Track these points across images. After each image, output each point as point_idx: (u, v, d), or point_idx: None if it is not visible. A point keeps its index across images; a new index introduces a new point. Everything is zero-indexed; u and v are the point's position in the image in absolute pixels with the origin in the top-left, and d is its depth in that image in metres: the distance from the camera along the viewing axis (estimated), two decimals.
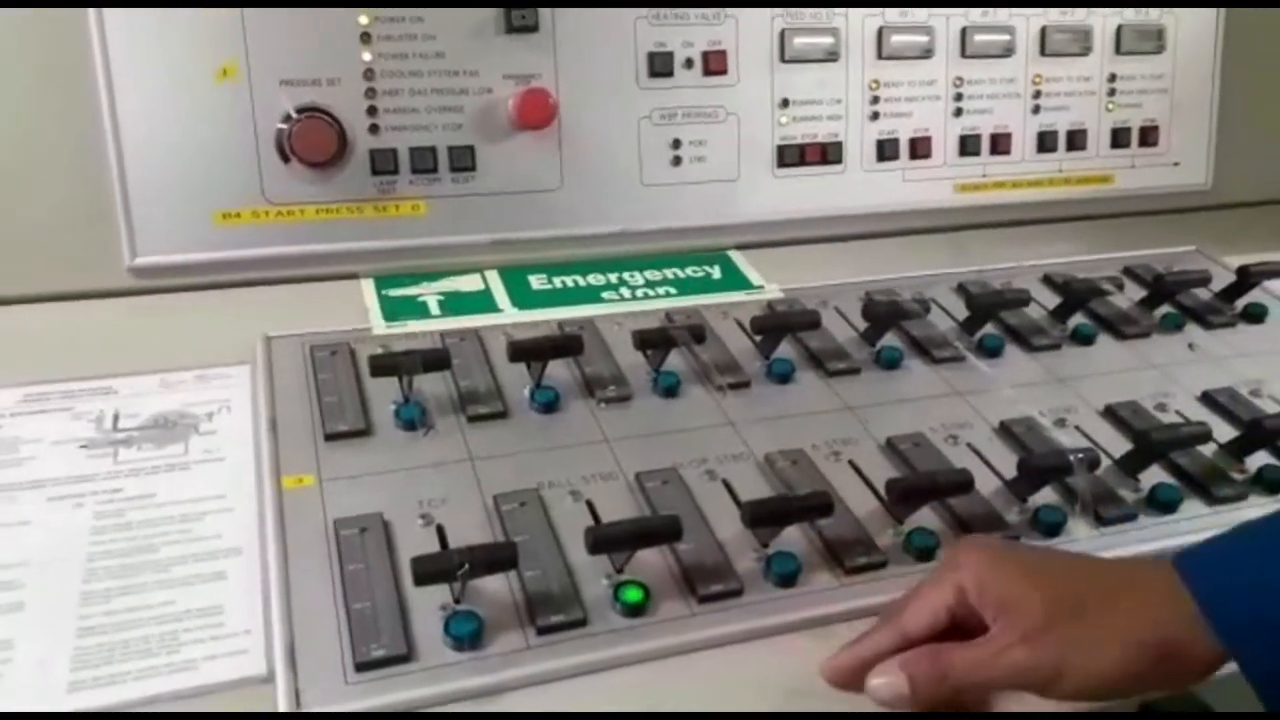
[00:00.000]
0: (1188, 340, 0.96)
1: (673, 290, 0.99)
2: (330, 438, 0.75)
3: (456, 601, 0.62)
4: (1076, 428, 0.82)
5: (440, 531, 0.68)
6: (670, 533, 0.64)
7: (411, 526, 0.68)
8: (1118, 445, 0.80)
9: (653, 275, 1.01)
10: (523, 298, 0.96)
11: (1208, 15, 1.17)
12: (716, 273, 1.03)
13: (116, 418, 0.77)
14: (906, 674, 0.57)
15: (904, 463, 0.77)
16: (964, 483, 0.69)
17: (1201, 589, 0.54)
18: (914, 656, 0.58)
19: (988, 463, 0.78)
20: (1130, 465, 0.77)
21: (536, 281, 0.99)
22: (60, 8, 0.85)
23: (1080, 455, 0.72)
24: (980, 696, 0.58)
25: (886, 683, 0.57)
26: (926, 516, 0.71)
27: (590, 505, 0.71)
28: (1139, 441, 0.77)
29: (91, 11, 0.85)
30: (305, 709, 0.56)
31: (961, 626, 0.59)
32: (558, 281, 0.99)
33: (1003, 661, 0.55)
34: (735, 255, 1.05)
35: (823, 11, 1.04)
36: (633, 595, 0.63)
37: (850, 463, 0.77)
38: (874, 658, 0.59)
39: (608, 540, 0.63)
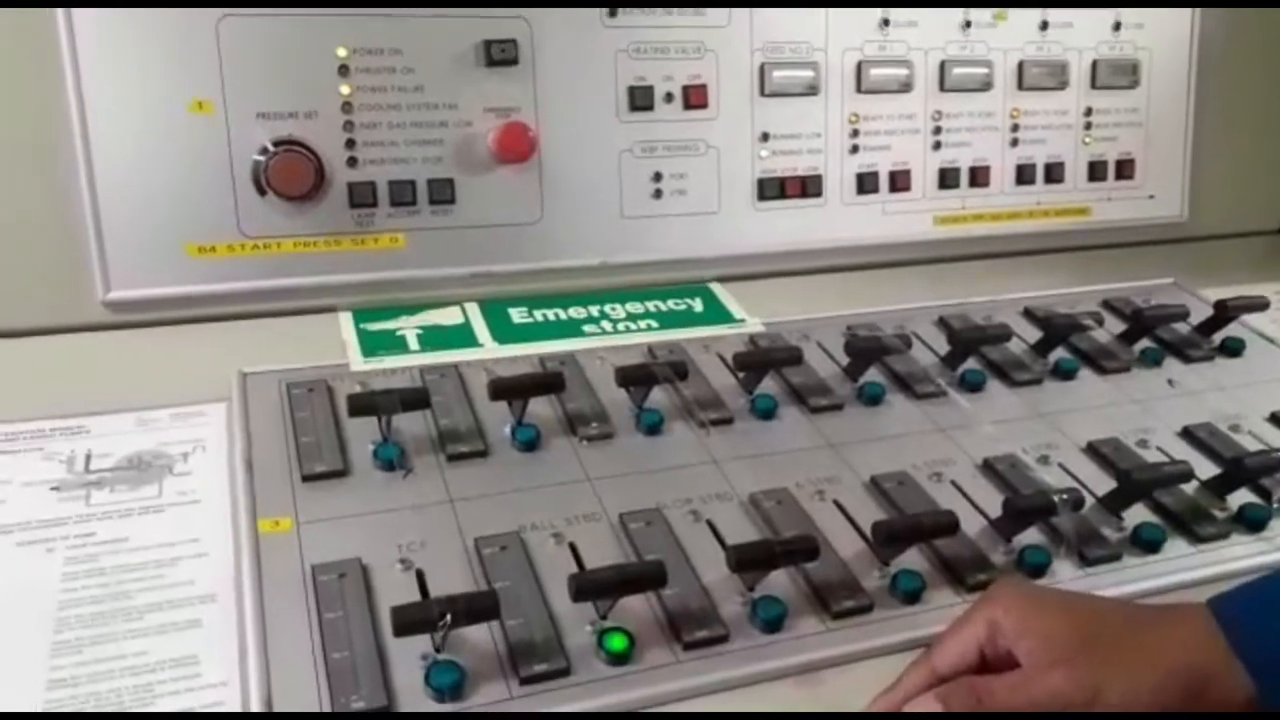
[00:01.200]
0: (1167, 375, 0.97)
1: (654, 323, 0.99)
2: (307, 479, 0.74)
3: (437, 650, 0.61)
4: (1059, 465, 0.82)
5: (420, 577, 0.67)
6: (655, 579, 0.63)
7: (391, 572, 0.67)
8: (1100, 482, 0.80)
9: (634, 308, 1.01)
10: (503, 332, 0.95)
11: (1181, 50, 1.19)
12: (698, 305, 1.02)
13: (89, 458, 0.76)
14: (941, 702, 0.57)
15: (888, 502, 0.77)
16: (949, 524, 0.69)
17: (1233, 630, 0.54)
18: (949, 687, 0.58)
19: (972, 501, 0.77)
20: (1113, 504, 0.77)
21: (517, 315, 0.98)
22: (31, 10, 0.84)
23: (1064, 496, 0.72)
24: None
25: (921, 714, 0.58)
26: (912, 558, 0.71)
27: (573, 548, 0.70)
28: (1122, 481, 0.77)
29: (65, 43, 0.84)
30: None
31: (991, 668, 0.59)
32: (538, 315, 0.99)
33: (1041, 686, 0.56)
34: (716, 288, 1.05)
35: (802, 45, 1.04)
36: (617, 643, 0.62)
37: (835, 502, 0.76)
38: (906, 700, 0.59)
39: (591, 588, 0.62)
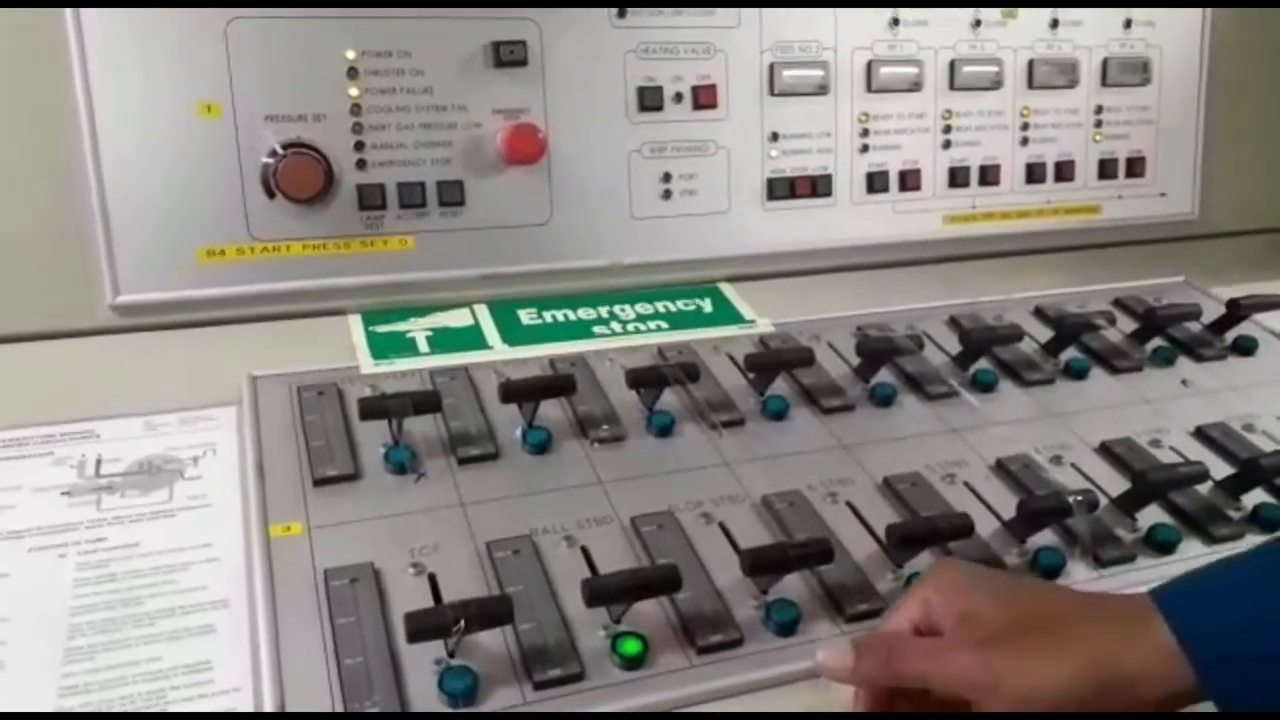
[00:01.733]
0: (1179, 374, 0.96)
1: (664, 324, 0.98)
2: (319, 482, 0.74)
3: (450, 655, 0.60)
4: (1073, 465, 0.82)
5: (433, 581, 0.66)
6: (669, 583, 0.62)
7: (403, 576, 0.67)
8: (1114, 483, 0.80)
9: (644, 309, 1.00)
10: (513, 333, 0.95)
11: (1192, 47, 1.18)
12: (708, 306, 1.02)
13: (99, 463, 0.76)
14: (854, 649, 0.57)
15: (902, 504, 0.76)
16: (964, 527, 0.69)
17: (1175, 619, 0.53)
18: (868, 638, 0.59)
19: (985, 503, 0.77)
20: (1128, 505, 0.76)
21: (526, 316, 0.98)
22: (39, 10, 0.84)
23: (1079, 497, 0.72)
24: (921, 696, 0.57)
25: (834, 654, 0.57)
26: (927, 560, 0.70)
27: (585, 552, 0.70)
28: (1136, 482, 0.76)
29: (73, 46, 0.84)
30: None
31: None
32: (548, 316, 0.98)
33: (949, 661, 0.55)
34: (726, 288, 1.05)
35: (812, 45, 1.04)
36: (631, 647, 0.62)
37: (848, 504, 0.76)
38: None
39: (605, 592, 0.62)
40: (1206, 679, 0.51)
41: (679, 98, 1.00)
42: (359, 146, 0.92)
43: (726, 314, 1.01)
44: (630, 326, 0.98)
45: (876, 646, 0.57)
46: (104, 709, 0.58)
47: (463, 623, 0.57)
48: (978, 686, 0.54)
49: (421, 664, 0.60)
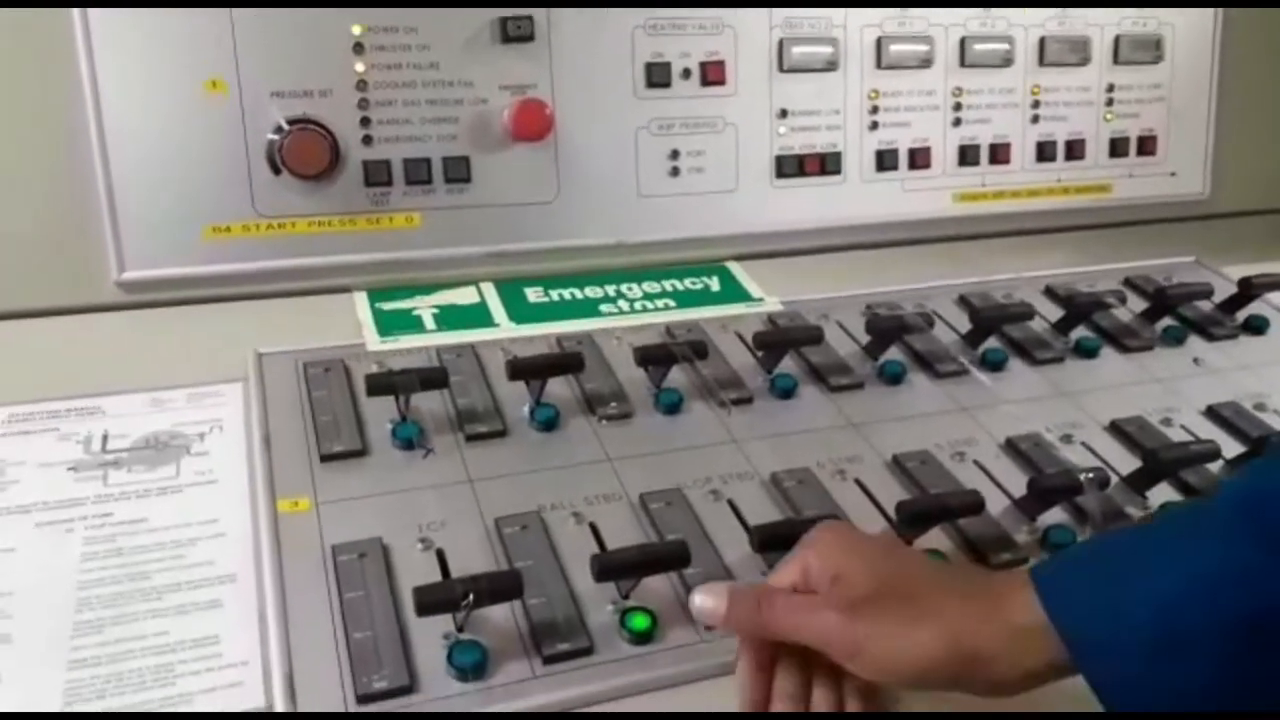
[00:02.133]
0: (1190, 353, 0.96)
1: (671, 303, 0.98)
2: (326, 458, 0.73)
3: (459, 630, 0.60)
4: (1083, 444, 0.81)
5: (441, 556, 0.66)
6: (678, 559, 0.62)
7: (411, 551, 0.66)
8: (1124, 462, 0.79)
9: (651, 287, 1.00)
10: (519, 311, 0.94)
11: (1205, 25, 1.17)
12: (715, 285, 1.01)
13: (105, 439, 0.75)
14: (729, 596, 0.57)
15: (911, 481, 0.76)
16: (974, 504, 0.68)
17: (1050, 595, 0.52)
18: (743, 587, 0.59)
19: (995, 481, 0.77)
20: (1139, 483, 0.76)
21: (533, 294, 0.97)
22: (44, 8, 0.83)
23: (1090, 475, 0.71)
24: (792, 651, 0.58)
25: (709, 598, 0.58)
26: (936, 538, 0.70)
27: (594, 528, 0.70)
28: (1148, 460, 0.76)
29: (78, 22, 0.83)
30: None
31: None
32: (554, 294, 0.98)
33: (814, 619, 0.55)
34: (734, 267, 1.04)
35: (821, 21, 1.03)
36: (640, 623, 0.61)
37: (857, 481, 0.76)
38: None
39: (614, 568, 0.61)
40: (1076, 652, 0.51)
41: (687, 74, 0.99)
42: (365, 123, 0.91)
43: (734, 293, 1.00)
44: (637, 305, 0.97)
45: (749, 596, 0.58)
46: (113, 681, 0.58)
47: (472, 596, 0.57)
48: (841, 648, 0.54)
49: (430, 638, 0.60)
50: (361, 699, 0.57)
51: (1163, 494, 0.76)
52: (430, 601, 0.58)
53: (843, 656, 0.55)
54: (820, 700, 0.58)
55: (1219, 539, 0.50)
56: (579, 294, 0.98)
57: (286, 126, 0.88)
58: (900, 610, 0.54)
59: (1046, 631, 0.51)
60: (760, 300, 0.99)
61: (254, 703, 0.57)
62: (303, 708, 0.56)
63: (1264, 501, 0.50)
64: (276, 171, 0.89)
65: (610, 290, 0.99)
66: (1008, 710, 0.55)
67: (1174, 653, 0.49)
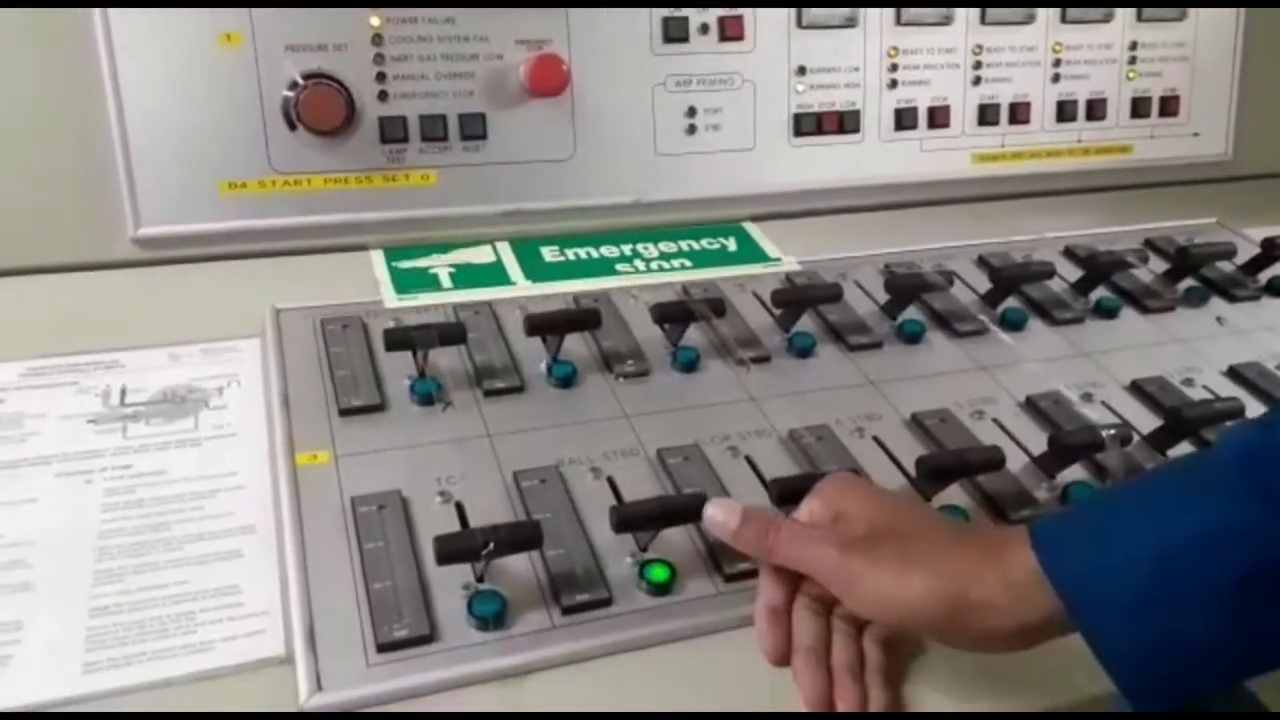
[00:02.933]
0: (1212, 313, 0.95)
1: (688, 262, 0.97)
2: (344, 413, 0.73)
3: (479, 580, 0.60)
4: (1103, 403, 0.81)
5: (460, 509, 0.66)
6: (697, 511, 0.62)
7: (430, 504, 0.66)
8: (1145, 420, 0.79)
9: (667, 247, 0.99)
10: (535, 270, 0.94)
11: None
12: (732, 245, 1.01)
13: (124, 392, 0.75)
14: (741, 515, 0.60)
15: (930, 439, 0.75)
16: (995, 460, 0.68)
17: (1045, 548, 0.51)
18: (757, 511, 0.61)
19: (1015, 439, 0.76)
20: (1160, 441, 0.75)
21: (549, 253, 0.97)
22: None
23: (1112, 431, 0.71)
24: (809, 596, 0.59)
25: (722, 511, 0.60)
26: (955, 494, 0.70)
27: (612, 482, 0.69)
28: (1170, 418, 0.75)
29: None
30: (326, 691, 0.55)
31: None
32: (570, 253, 0.97)
33: (812, 550, 0.57)
34: (750, 227, 1.03)
35: None
36: (659, 574, 0.61)
37: (875, 439, 0.75)
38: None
39: (633, 519, 0.61)
40: (1070, 605, 0.50)
41: (705, 29, 0.98)
42: (380, 78, 0.91)
43: (751, 252, 1.00)
44: (653, 265, 0.97)
45: (759, 521, 0.59)
46: (134, 629, 0.58)
47: (492, 545, 0.57)
48: (837, 582, 0.56)
49: (450, 589, 0.60)
50: (382, 648, 0.57)
51: (1184, 452, 0.75)
52: (450, 550, 0.58)
53: (840, 592, 0.56)
54: (840, 651, 0.58)
55: (1223, 494, 0.50)
56: (594, 253, 0.98)
57: (301, 81, 0.88)
58: (890, 554, 0.55)
59: (1042, 584, 0.51)
60: (777, 260, 0.98)
61: (274, 650, 0.57)
62: (323, 656, 0.56)
63: (1270, 458, 0.49)
64: (292, 127, 0.89)
65: (626, 250, 0.98)
66: (1017, 711, 0.56)
67: (1173, 608, 0.48)
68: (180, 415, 0.74)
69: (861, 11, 1.03)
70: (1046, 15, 1.09)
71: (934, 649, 0.59)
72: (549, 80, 0.93)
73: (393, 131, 0.91)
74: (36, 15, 0.83)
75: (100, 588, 0.60)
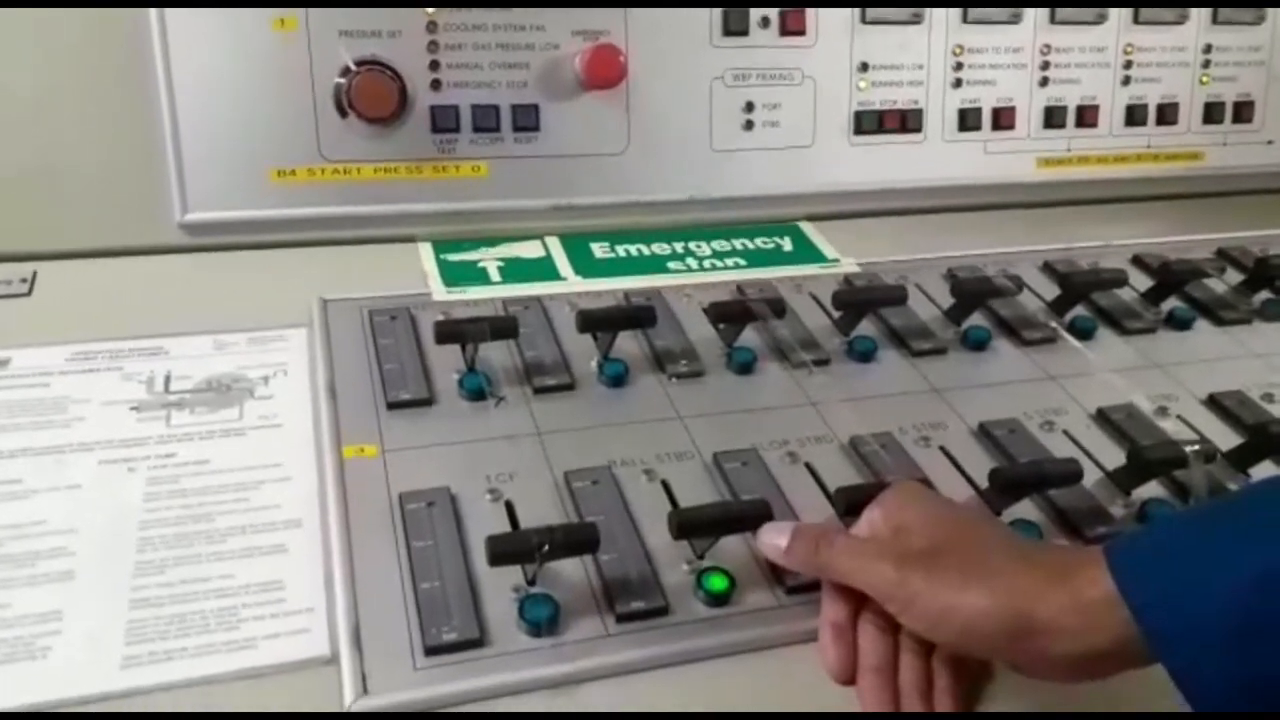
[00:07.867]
0: None
1: (741, 262, 0.94)
2: (392, 406, 0.71)
3: (530, 583, 0.58)
4: (1179, 417, 0.77)
5: (510, 508, 0.64)
6: (759, 519, 0.59)
7: (480, 502, 0.64)
8: (1224, 437, 0.75)
9: (720, 246, 0.97)
10: (585, 266, 0.92)
11: None
12: (787, 244, 0.98)
13: (168, 379, 0.74)
14: (792, 533, 0.58)
15: (999, 450, 0.72)
16: (1073, 473, 0.65)
17: (1121, 572, 0.48)
18: (806, 526, 0.59)
19: (1087, 452, 0.73)
20: (1242, 459, 0.72)
21: (599, 249, 0.94)
22: None
23: (1197, 447, 0.67)
24: (873, 613, 0.56)
25: (773, 533, 0.59)
26: (1024, 508, 0.67)
27: (666, 486, 0.67)
28: (1254, 435, 0.72)
29: None
30: (373, 694, 0.53)
31: None
32: (620, 250, 0.95)
33: (868, 565, 0.54)
34: (806, 227, 1.00)
35: None
36: (717, 584, 0.59)
37: (941, 448, 0.72)
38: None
39: (694, 525, 0.59)
40: (1146, 628, 0.46)
41: (765, 22, 0.95)
42: (434, 66, 0.89)
43: (807, 253, 0.97)
44: (706, 263, 0.94)
45: (809, 536, 0.57)
46: (176, 622, 0.56)
47: (546, 548, 0.55)
48: (893, 599, 0.53)
49: (500, 591, 0.58)
50: (430, 651, 0.55)
51: (1267, 472, 0.72)
52: (504, 551, 0.55)
53: (896, 608, 0.53)
54: (907, 670, 0.55)
55: None
56: (646, 250, 0.95)
57: (354, 67, 0.86)
58: (957, 567, 0.52)
59: (1117, 608, 0.47)
60: (835, 261, 0.95)
61: (319, 650, 0.55)
62: (369, 658, 0.54)
63: None
64: (343, 114, 0.87)
65: (678, 247, 0.96)
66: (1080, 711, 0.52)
67: (1265, 640, 0.44)
68: (225, 404, 0.72)
69: (927, 9, 0.99)
70: (1118, 15, 1.05)
71: (1006, 670, 0.56)
72: (605, 72, 0.91)
73: (444, 121, 0.89)
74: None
75: (141, 579, 0.59)
